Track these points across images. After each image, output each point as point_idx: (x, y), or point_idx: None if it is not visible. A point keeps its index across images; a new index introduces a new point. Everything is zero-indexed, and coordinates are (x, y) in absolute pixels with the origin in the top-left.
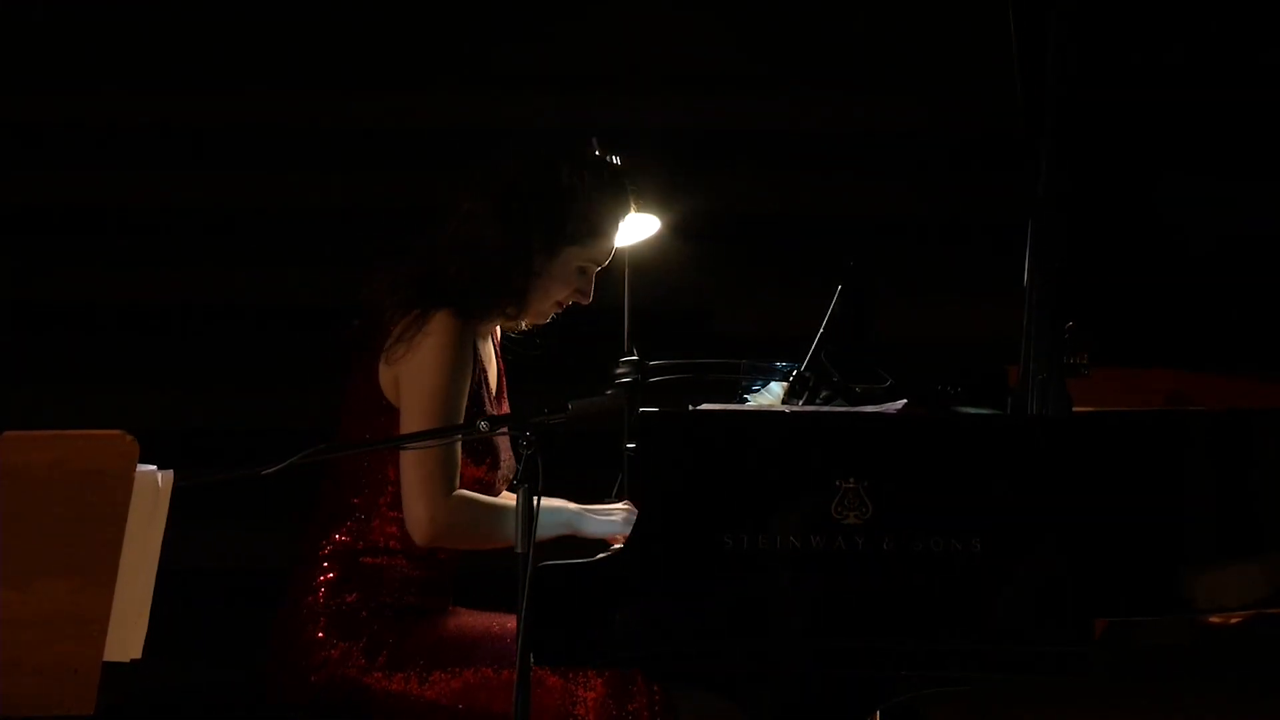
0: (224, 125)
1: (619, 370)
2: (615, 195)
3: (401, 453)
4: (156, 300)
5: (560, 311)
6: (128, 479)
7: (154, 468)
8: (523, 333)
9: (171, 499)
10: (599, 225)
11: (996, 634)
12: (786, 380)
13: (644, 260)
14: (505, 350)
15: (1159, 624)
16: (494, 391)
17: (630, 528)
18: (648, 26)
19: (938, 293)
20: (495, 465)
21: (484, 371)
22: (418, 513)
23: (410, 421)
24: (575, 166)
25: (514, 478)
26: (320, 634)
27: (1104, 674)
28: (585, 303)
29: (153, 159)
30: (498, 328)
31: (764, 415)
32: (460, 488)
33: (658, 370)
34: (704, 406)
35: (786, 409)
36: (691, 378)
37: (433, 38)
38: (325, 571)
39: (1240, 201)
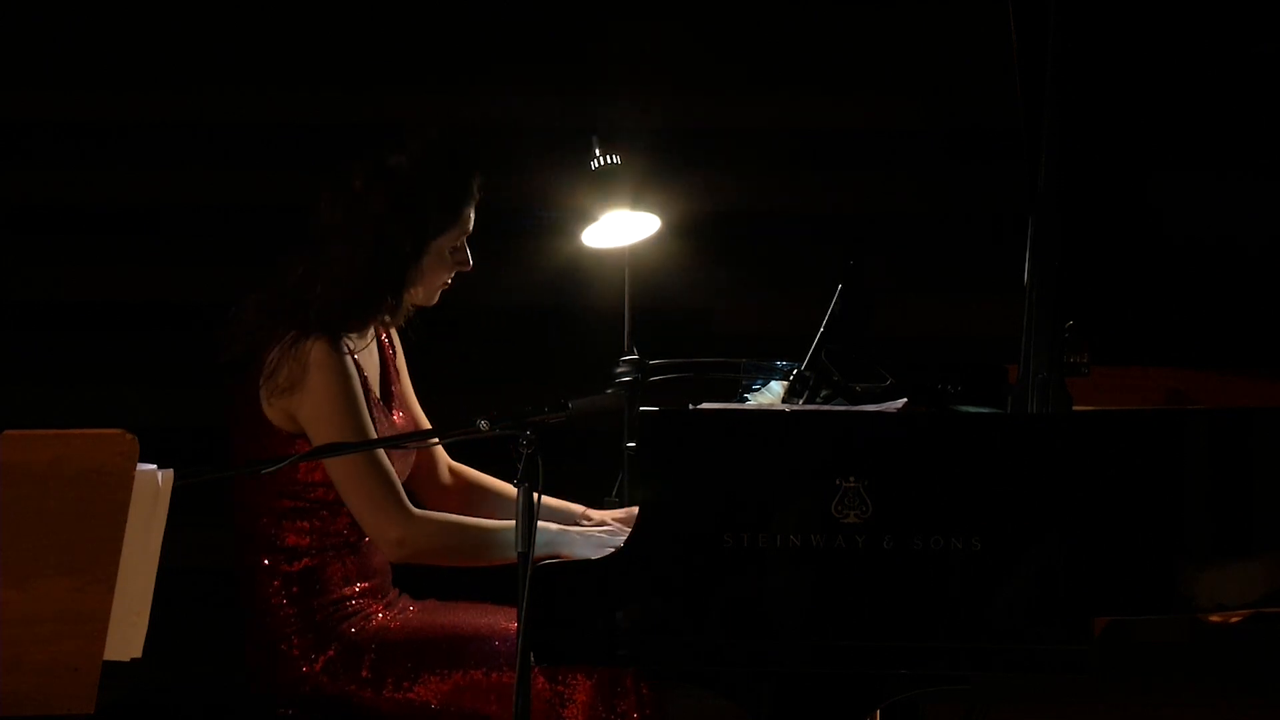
0: (222, 124)
1: (619, 369)
2: (457, 168)
3: (340, 484)
4: (157, 299)
5: (448, 287)
6: (128, 478)
7: (154, 466)
8: (419, 320)
9: (172, 498)
10: (455, 206)
11: (996, 633)
12: (786, 379)
13: (644, 260)
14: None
15: (1159, 623)
16: (376, 393)
17: (609, 547)
18: (648, 26)
19: (938, 291)
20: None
21: (367, 381)
22: (387, 535)
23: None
24: (412, 158)
25: (515, 477)
26: (295, 651)
27: (1104, 673)
28: (468, 270)
29: (152, 158)
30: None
31: (764, 414)
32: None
33: (658, 369)
34: (704, 405)
35: (787, 408)
36: (691, 377)
37: (433, 37)
38: (274, 592)
39: (1240, 198)
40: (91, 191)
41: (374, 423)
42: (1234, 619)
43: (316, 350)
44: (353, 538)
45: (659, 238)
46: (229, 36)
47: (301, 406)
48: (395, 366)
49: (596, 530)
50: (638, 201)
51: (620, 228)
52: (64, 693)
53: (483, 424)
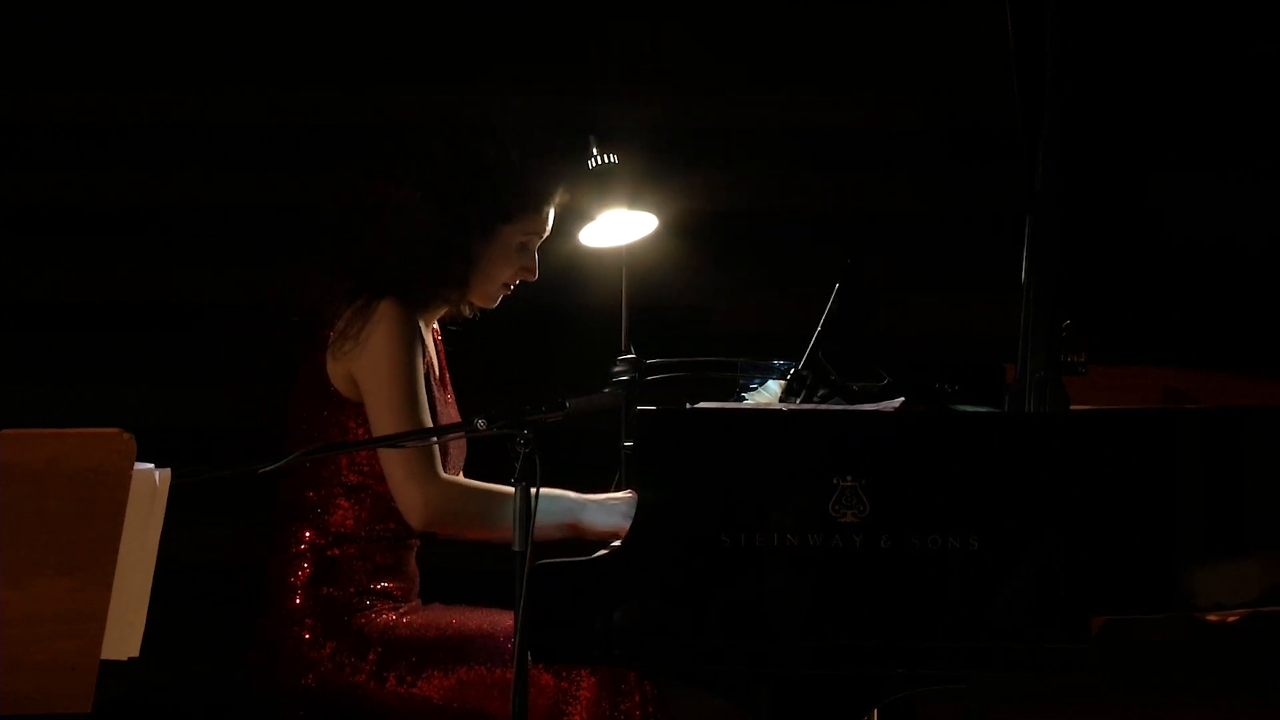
0: (222, 124)
1: (617, 369)
2: (545, 165)
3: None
4: (157, 299)
5: (509, 293)
6: (125, 477)
7: (151, 466)
8: (468, 319)
9: (169, 497)
10: (532, 197)
11: (994, 632)
12: (784, 378)
13: (642, 259)
14: (461, 338)
15: (1156, 622)
16: (439, 378)
17: (628, 519)
18: (648, 26)
19: (935, 291)
20: (444, 451)
21: (430, 361)
22: (413, 497)
23: (378, 413)
24: (500, 142)
25: (512, 476)
26: (307, 635)
27: (1101, 672)
28: (532, 279)
29: (152, 158)
30: (435, 319)
31: (761, 413)
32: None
33: (655, 369)
34: (701, 405)
35: (784, 407)
36: (689, 376)
37: (433, 37)
38: (300, 569)
39: (1239, 199)
40: (91, 191)
41: (436, 404)
42: (1231, 618)
43: (385, 306)
44: (388, 532)
45: (656, 237)
46: (229, 36)
47: (361, 356)
48: (445, 361)
49: (617, 497)
50: (635, 200)
51: (618, 227)
52: (62, 692)
53: (480, 423)
